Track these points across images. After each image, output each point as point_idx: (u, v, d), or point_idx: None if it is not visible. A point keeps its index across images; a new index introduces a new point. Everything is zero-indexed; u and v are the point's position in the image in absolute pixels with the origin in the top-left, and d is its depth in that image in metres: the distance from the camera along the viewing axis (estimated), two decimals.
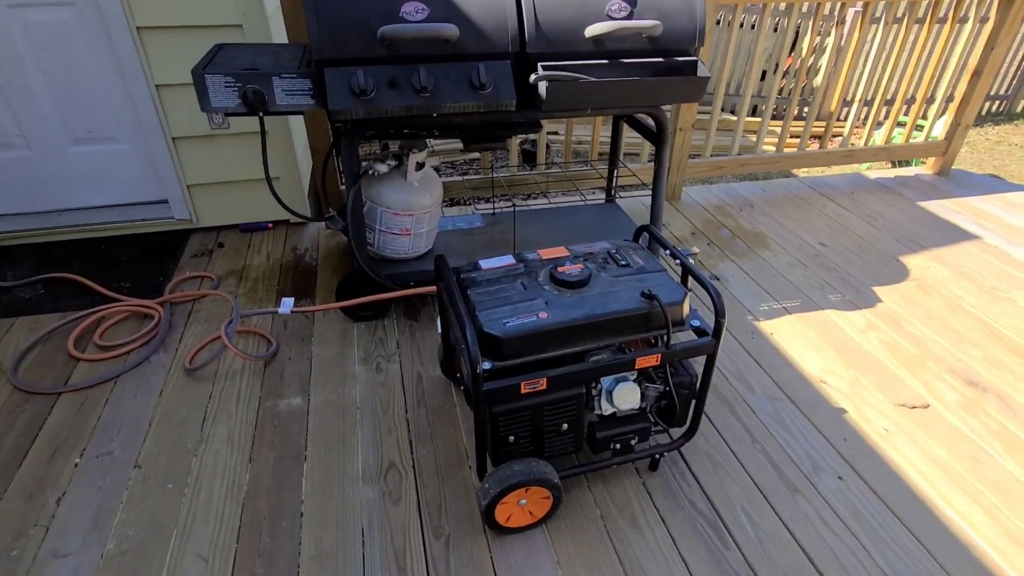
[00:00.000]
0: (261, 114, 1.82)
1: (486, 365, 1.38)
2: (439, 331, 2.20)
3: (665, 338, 1.46)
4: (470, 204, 3.16)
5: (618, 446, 1.59)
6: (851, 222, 3.06)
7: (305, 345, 2.16)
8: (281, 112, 1.85)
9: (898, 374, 2.09)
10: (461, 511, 1.59)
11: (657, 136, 2.30)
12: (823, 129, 5.17)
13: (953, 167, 3.58)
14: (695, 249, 1.64)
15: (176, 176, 2.70)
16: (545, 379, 1.40)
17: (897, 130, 3.54)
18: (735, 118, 3.97)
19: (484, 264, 1.64)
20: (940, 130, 3.50)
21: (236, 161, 2.70)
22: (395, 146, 2.36)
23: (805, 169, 4.22)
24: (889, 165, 3.73)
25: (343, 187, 2.86)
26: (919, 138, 3.52)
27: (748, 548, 1.52)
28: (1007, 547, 1.54)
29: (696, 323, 1.55)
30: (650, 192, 3.24)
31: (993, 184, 3.49)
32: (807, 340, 2.24)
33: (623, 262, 1.61)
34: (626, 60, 1.94)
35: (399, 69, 1.83)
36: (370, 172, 2.19)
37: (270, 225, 2.90)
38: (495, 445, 1.50)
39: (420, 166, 2.27)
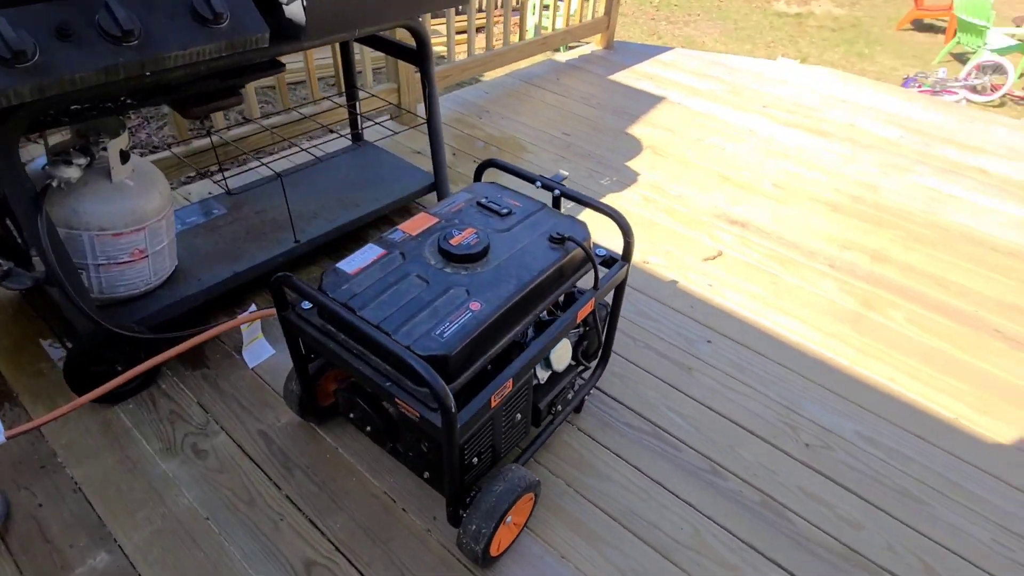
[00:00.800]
0: None
1: None
2: (248, 361, 1.65)
3: (594, 278, 1.32)
4: (176, 186, 2.36)
5: (559, 407, 1.44)
6: (573, 107, 3.23)
7: (56, 475, 1.39)
8: None
9: (688, 235, 2.35)
10: (430, 566, 1.28)
11: (418, 53, 1.98)
12: (516, 24, 5.28)
13: (616, 40, 4.03)
14: (564, 172, 1.48)
15: None
16: (511, 379, 1.13)
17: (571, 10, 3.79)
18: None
19: (346, 267, 1.21)
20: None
21: None
22: (65, 136, 1.54)
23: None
24: (565, 49, 4.03)
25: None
26: (588, 16, 3.82)
27: (692, 439, 1.58)
28: (823, 339, 1.92)
29: (602, 252, 1.43)
30: (390, 120, 2.90)
31: (648, 50, 4.06)
32: (610, 228, 2.33)
33: (503, 210, 1.37)
34: None
35: (71, 7, 1.13)
36: (53, 184, 1.40)
37: None
38: (460, 476, 1.20)
39: (126, 156, 1.54)
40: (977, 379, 1.82)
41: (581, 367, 1.50)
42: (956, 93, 5.46)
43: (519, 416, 1.30)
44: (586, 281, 1.35)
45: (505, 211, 1.37)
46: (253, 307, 1.67)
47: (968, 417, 1.71)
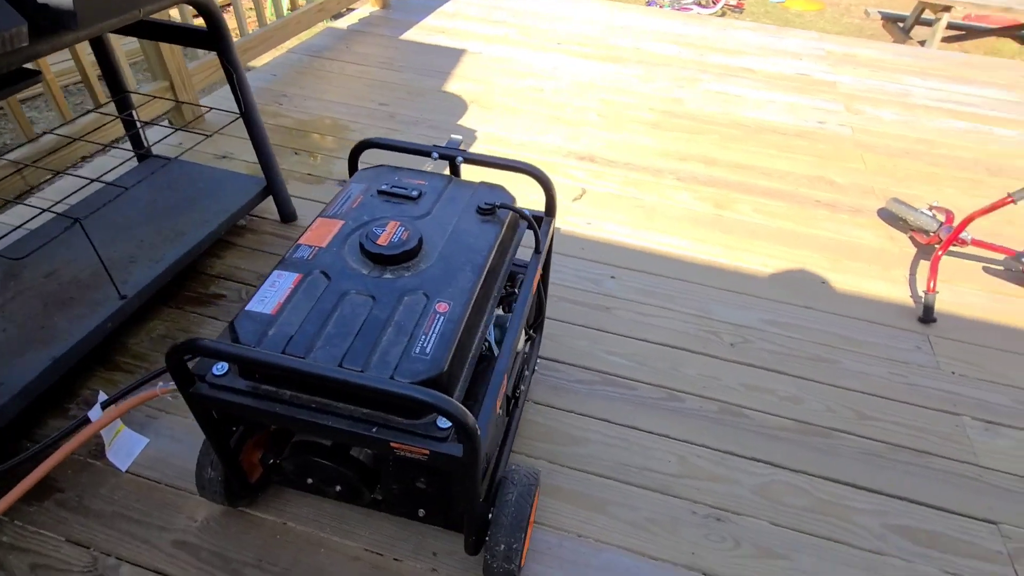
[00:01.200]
0: None
1: (443, 423, 0.88)
2: (118, 463, 1.28)
3: (535, 241, 1.21)
4: None
5: (522, 387, 1.34)
6: (377, 74, 2.98)
7: None
8: None
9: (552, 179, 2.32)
10: None
11: (212, 34, 1.62)
12: None
13: None
14: (458, 137, 1.32)
15: None
16: (504, 376, 0.99)
17: None
18: None
19: (260, 307, 0.95)
20: None
21: None
22: None
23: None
24: (343, 14, 3.66)
25: None
26: None
27: (639, 374, 1.59)
28: (698, 245, 2.05)
29: (527, 213, 1.32)
30: (168, 125, 2.38)
31: (426, 3, 3.87)
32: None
33: (412, 192, 1.18)
34: None
35: None
36: None
37: None
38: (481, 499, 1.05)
39: None
40: (820, 245, 2.10)
41: (528, 339, 1.40)
42: (690, 9, 6.18)
43: (499, 411, 1.17)
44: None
45: (415, 193, 1.18)
46: (102, 395, 1.27)
47: (829, 278, 1.96)
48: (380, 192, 1.18)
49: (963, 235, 1.96)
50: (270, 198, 1.96)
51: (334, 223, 1.11)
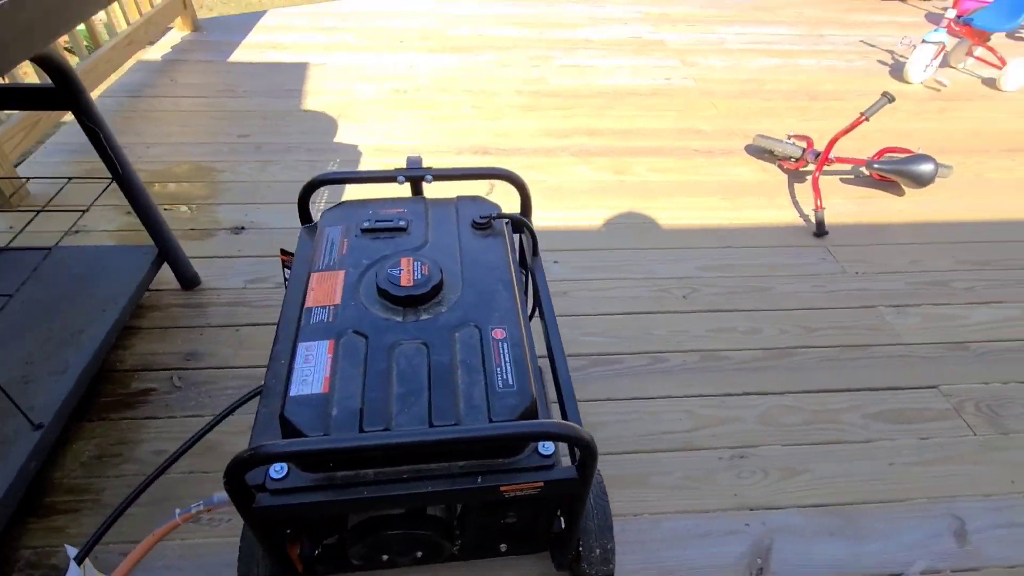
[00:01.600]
0: None
1: (545, 450, 0.85)
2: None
3: (532, 245, 1.18)
4: None
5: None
6: (221, 104, 2.67)
7: None
8: None
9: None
10: None
11: (64, 90, 1.34)
12: None
13: (201, 19, 3.40)
14: (416, 155, 1.23)
15: None
16: (570, 381, 0.97)
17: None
18: None
19: (304, 388, 0.84)
20: None
21: None
22: None
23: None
24: (149, 45, 3.17)
25: None
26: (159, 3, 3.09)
27: (619, 347, 1.64)
28: (616, 213, 2.15)
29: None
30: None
31: (241, 20, 3.53)
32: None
33: (399, 223, 1.10)
34: None
35: None
36: None
37: None
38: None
39: None
40: (712, 189, 2.30)
41: None
42: None
43: None
44: None
45: (402, 223, 1.10)
46: (70, 549, 1.03)
47: (731, 216, 2.16)
48: (363, 231, 1.08)
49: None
50: (165, 266, 1.70)
51: (334, 275, 0.99)
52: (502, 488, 0.82)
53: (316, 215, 1.20)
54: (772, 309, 1.79)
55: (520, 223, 1.16)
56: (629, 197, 2.23)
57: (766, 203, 2.23)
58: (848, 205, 2.24)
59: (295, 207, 1.20)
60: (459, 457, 0.83)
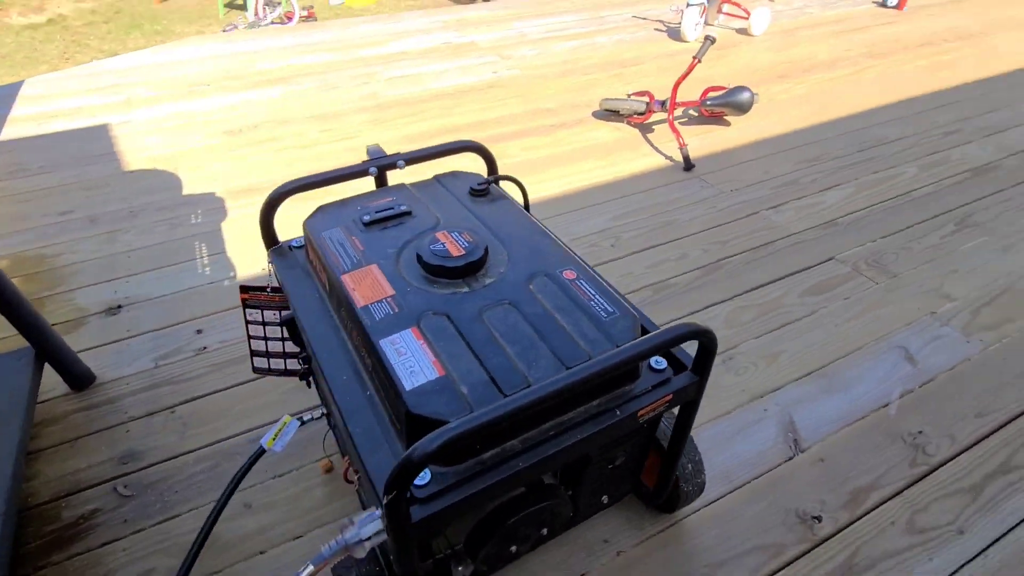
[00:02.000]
0: None
1: (657, 364, 0.86)
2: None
3: (523, 202, 1.17)
4: None
5: None
6: (18, 187, 2.19)
7: None
8: None
9: None
10: (664, 562, 1.10)
11: None
12: None
13: None
14: (375, 144, 1.14)
15: None
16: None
17: None
18: None
19: (415, 379, 0.75)
20: None
21: None
22: None
23: None
24: None
25: None
26: None
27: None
28: None
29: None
30: None
31: (1, 93, 2.93)
32: None
33: (399, 208, 1.02)
34: None
35: None
36: None
37: None
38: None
39: None
40: (584, 154, 2.45)
41: None
42: (269, 24, 6.08)
43: None
44: None
45: (403, 208, 1.02)
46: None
47: (612, 172, 2.33)
48: (365, 224, 0.98)
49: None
50: (47, 370, 1.36)
51: (368, 270, 0.88)
52: (639, 413, 0.81)
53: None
54: (686, 236, 1.96)
55: (514, 180, 1.13)
56: (518, 175, 2.27)
57: (634, 155, 2.44)
58: (694, 140, 2.54)
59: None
60: (592, 397, 0.80)
